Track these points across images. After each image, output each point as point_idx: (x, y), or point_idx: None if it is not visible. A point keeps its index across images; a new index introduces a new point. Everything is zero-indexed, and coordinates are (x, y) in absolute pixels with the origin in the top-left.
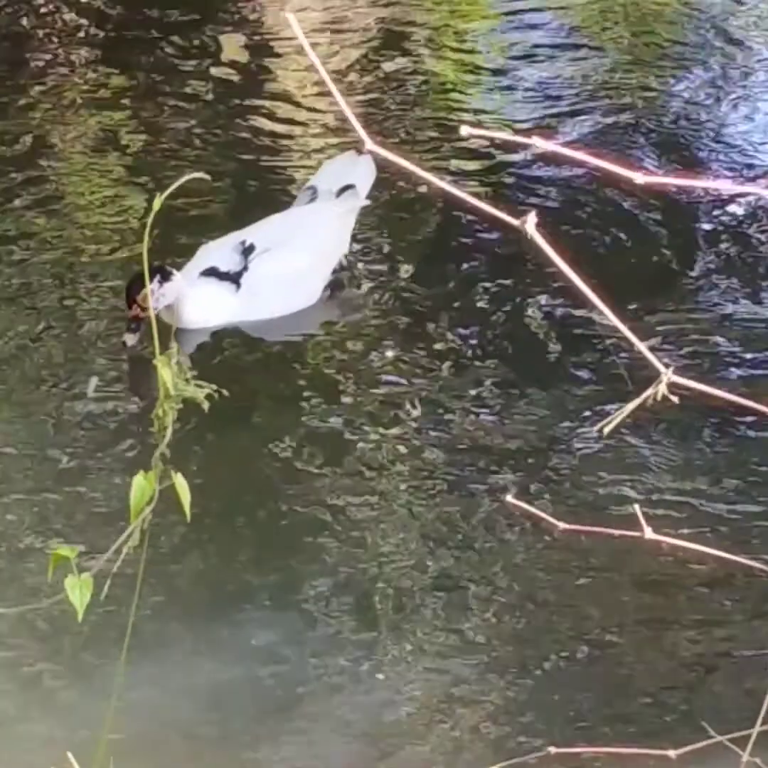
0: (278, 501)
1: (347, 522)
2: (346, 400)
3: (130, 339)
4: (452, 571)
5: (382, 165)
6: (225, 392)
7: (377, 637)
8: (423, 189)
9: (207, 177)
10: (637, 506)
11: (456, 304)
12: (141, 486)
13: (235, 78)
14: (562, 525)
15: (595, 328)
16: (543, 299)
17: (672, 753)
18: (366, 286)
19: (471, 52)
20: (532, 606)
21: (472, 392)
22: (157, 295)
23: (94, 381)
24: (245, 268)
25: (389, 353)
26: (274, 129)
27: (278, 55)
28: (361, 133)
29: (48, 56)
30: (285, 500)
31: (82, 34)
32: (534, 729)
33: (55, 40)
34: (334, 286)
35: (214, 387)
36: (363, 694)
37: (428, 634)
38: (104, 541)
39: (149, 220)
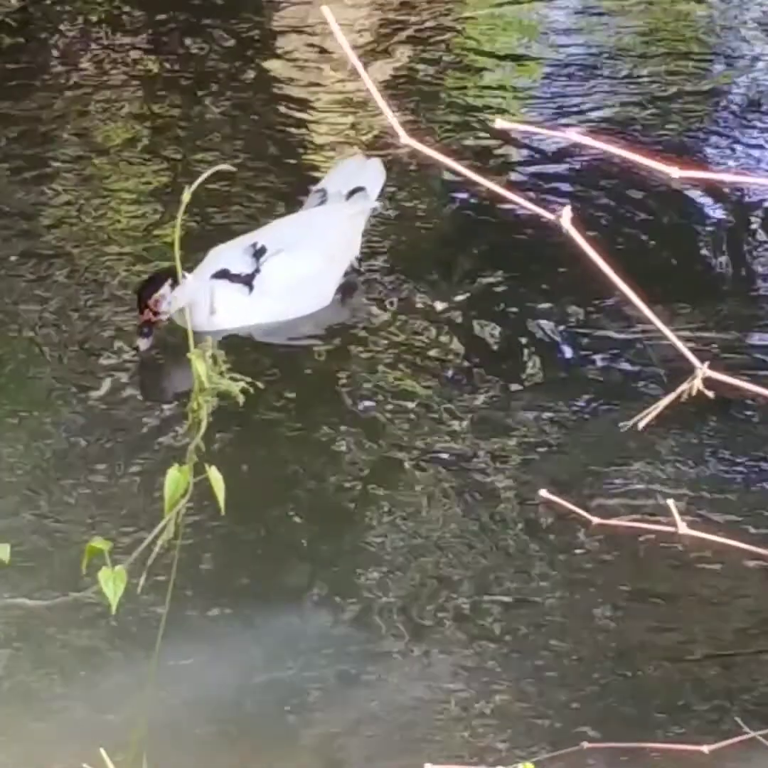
0: (314, 492)
1: (385, 513)
2: (367, 395)
3: (143, 344)
4: (491, 563)
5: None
6: (260, 385)
7: (415, 630)
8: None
9: (233, 169)
10: (671, 501)
11: (471, 303)
12: (175, 479)
13: (279, 68)
14: (595, 520)
15: (613, 326)
16: (557, 299)
17: (706, 748)
18: (378, 286)
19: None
20: (565, 602)
21: (496, 387)
22: (168, 299)
23: (107, 383)
24: (257, 271)
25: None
26: (307, 118)
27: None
28: (396, 126)
29: (90, 41)
30: (321, 491)
31: (127, 17)
32: (568, 724)
33: (102, 25)
34: (346, 288)
35: (249, 379)
36: (397, 690)
37: (467, 627)
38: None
39: (179, 212)
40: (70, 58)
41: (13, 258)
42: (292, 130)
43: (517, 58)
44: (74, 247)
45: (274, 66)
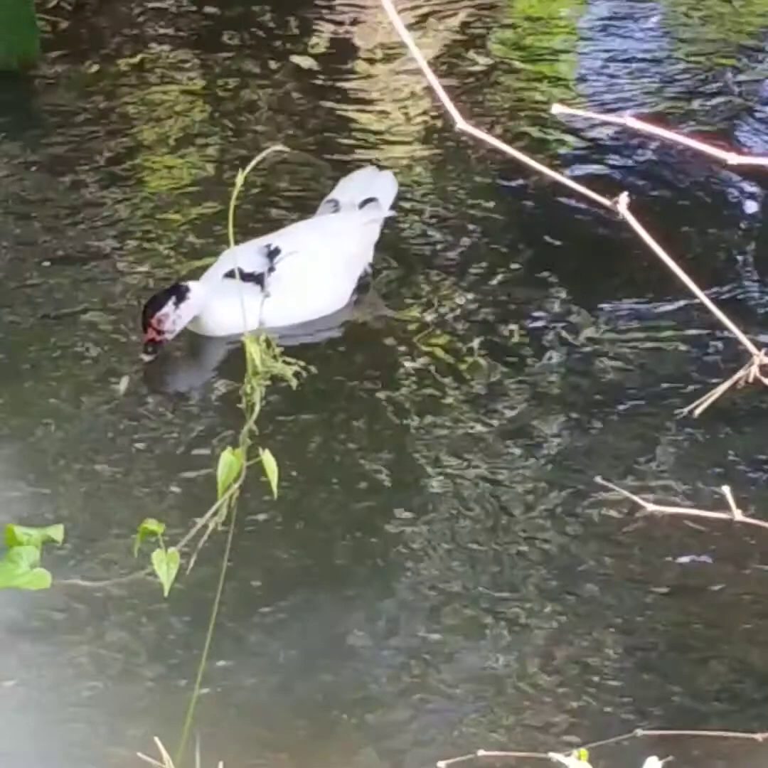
0: (364, 481)
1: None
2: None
3: (148, 360)
4: (546, 548)
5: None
6: (312, 369)
7: (467, 618)
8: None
9: (286, 149)
10: (726, 488)
11: (495, 301)
12: (228, 462)
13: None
14: (650, 507)
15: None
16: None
17: (759, 736)
18: (395, 289)
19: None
20: (614, 590)
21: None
22: (173, 318)
23: (125, 380)
24: (271, 269)
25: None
26: (350, 109)
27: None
28: (452, 111)
29: (136, 31)
30: (372, 479)
31: (173, 10)
32: (623, 711)
33: (148, 17)
34: (360, 291)
35: (302, 363)
36: (445, 679)
37: (520, 612)
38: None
39: (233, 195)
40: (118, 46)
41: (60, 252)
42: (338, 122)
43: (565, 51)
44: (120, 241)
45: (316, 56)
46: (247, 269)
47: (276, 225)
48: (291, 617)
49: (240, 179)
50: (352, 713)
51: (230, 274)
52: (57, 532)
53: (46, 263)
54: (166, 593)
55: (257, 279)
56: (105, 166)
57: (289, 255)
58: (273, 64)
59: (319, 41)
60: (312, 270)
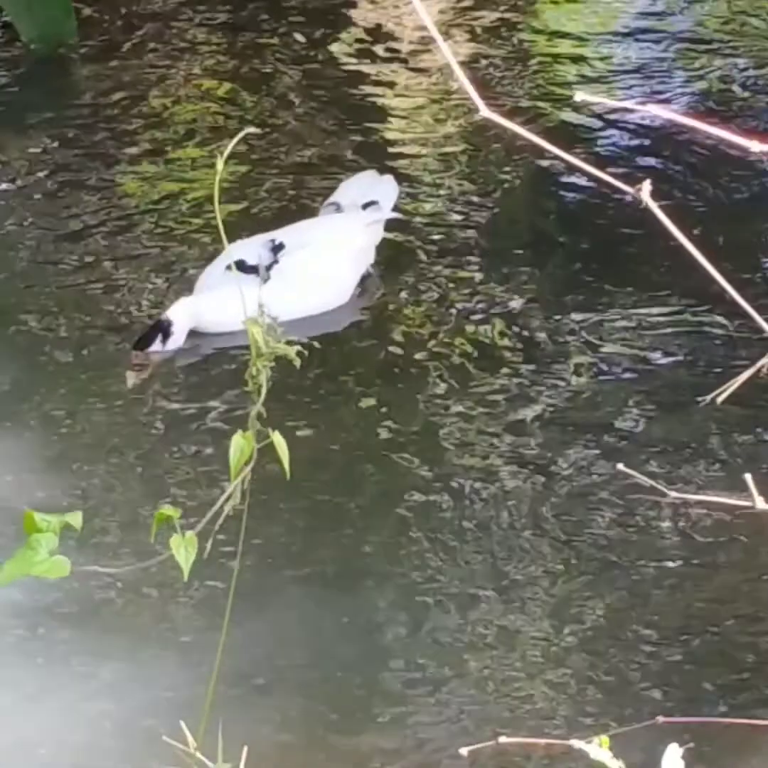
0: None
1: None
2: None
3: (132, 379)
4: (568, 537)
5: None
6: (316, 345)
7: (492, 599)
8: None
9: (257, 130)
10: (748, 476)
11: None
12: (240, 445)
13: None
14: (672, 493)
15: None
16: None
17: None
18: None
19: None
20: (652, 576)
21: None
22: (162, 354)
23: (131, 377)
24: (275, 262)
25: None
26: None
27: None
28: (476, 99)
29: (167, 10)
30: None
31: None
32: (643, 699)
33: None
34: (363, 287)
35: (305, 340)
36: (470, 659)
37: (544, 597)
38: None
39: (216, 180)
40: (146, 32)
41: (90, 232)
42: (368, 109)
43: (596, 36)
44: (147, 223)
45: (347, 42)
46: (250, 262)
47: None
48: (311, 596)
49: (220, 164)
50: (375, 694)
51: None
52: (75, 518)
53: (75, 244)
54: (185, 578)
55: (258, 271)
56: (132, 149)
57: (294, 250)
58: (306, 50)
59: (355, 30)
60: (315, 265)
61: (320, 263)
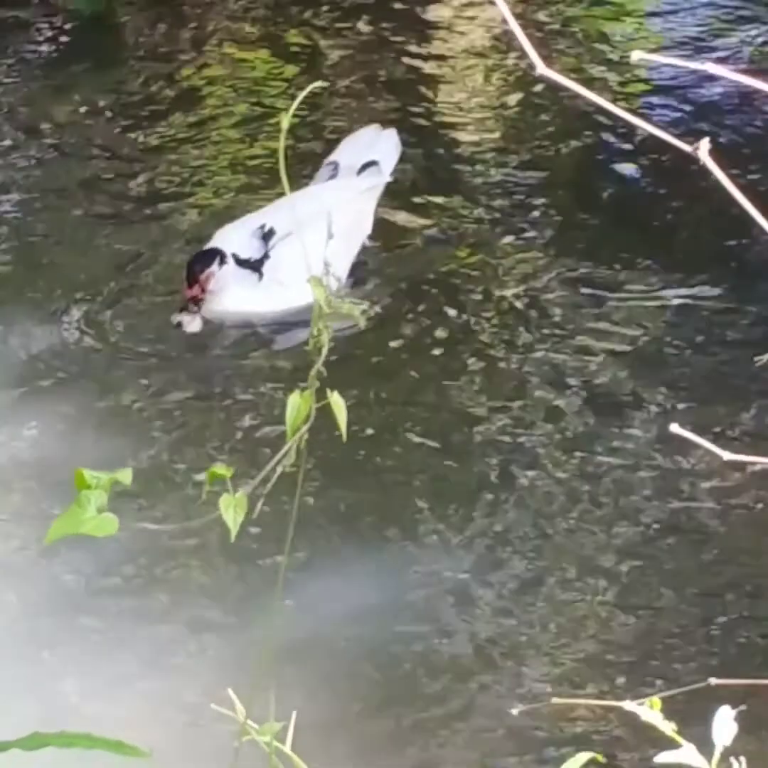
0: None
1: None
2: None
3: (188, 321)
4: (615, 503)
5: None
6: (377, 308)
7: (538, 566)
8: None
9: (325, 84)
10: None
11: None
12: (296, 404)
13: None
14: (726, 455)
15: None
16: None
17: None
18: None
19: None
20: (700, 537)
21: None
22: (217, 278)
23: (185, 319)
24: (266, 256)
25: None
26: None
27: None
28: (533, 56)
29: None
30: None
31: None
32: (693, 661)
33: None
34: (358, 270)
35: (368, 302)
36: (515, 622)
37: (591, 561)
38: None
39: (281, 139)
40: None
41: (128, 194)
42: (417, 76)
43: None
44: (186, 188)
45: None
46: (244, 255)
47: None
48: (364, 562)
49: (285, 122)
50: (423, 661)
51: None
52: (125, 475)
53: (114, 204)
54: (232, 538)
55: (253, 266)
56: (172, 116)
57: (284, 238)
58: (343, 23)
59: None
60: (308, 252)
61: (312, 253)
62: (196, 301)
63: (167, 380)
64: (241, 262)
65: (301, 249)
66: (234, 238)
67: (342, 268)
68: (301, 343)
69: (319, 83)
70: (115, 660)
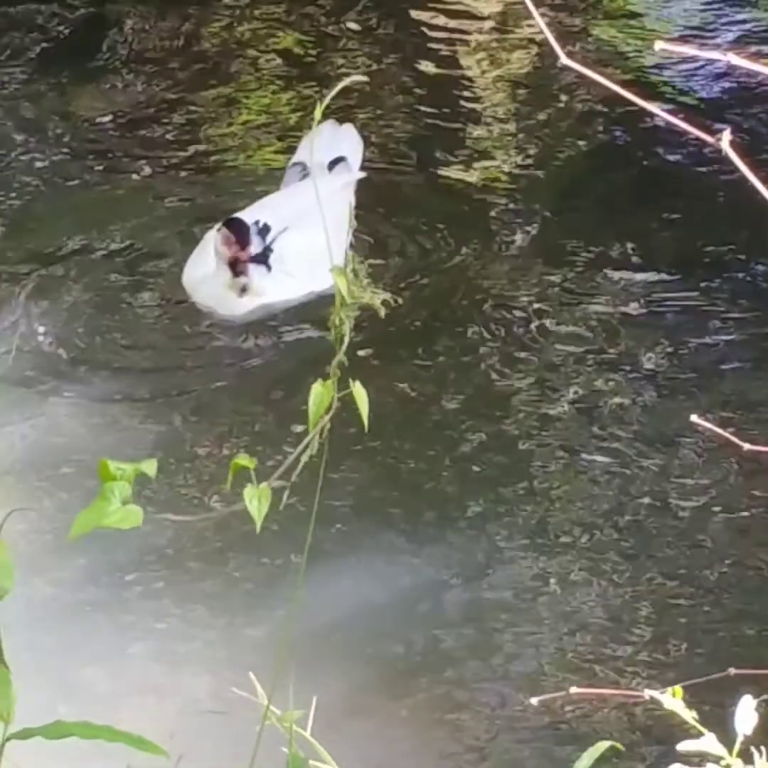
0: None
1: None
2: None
3: (248, 282)
4: (641, 490)
5: None
6: (400, 299)
7: (561, 557)
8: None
9: (365, 78)
10: None
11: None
12: (319, 394)
13: None
14: (746, 445)
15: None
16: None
17: None
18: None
19: None
20: (724, 529)
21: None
22: (254, 244)
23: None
24: (269, 249)
25: None
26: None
27: None
28: (555, 46)
29: None
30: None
31: None
32: (715, 651)
33: None
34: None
35: (390, 293)
36: (542, 611)
37: (614, 551)
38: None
39: (314, 126)
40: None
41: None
42: (439, 66)
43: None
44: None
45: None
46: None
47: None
48: (383, 550)
49: (318, 113)
50: (444, 648)
51: None
52: (150, 466)
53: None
54: (257, 529)
55: (256, 259)
56: (198, 101)
57: (283, 231)
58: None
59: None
60: (310, 243)
61: (314, 243)
62: (246, 263)
63: (179, 375)
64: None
65: (302, 242)
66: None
67: (339, 260)
68: (313, 332)
69: (358, 77)
70: (134, 646)
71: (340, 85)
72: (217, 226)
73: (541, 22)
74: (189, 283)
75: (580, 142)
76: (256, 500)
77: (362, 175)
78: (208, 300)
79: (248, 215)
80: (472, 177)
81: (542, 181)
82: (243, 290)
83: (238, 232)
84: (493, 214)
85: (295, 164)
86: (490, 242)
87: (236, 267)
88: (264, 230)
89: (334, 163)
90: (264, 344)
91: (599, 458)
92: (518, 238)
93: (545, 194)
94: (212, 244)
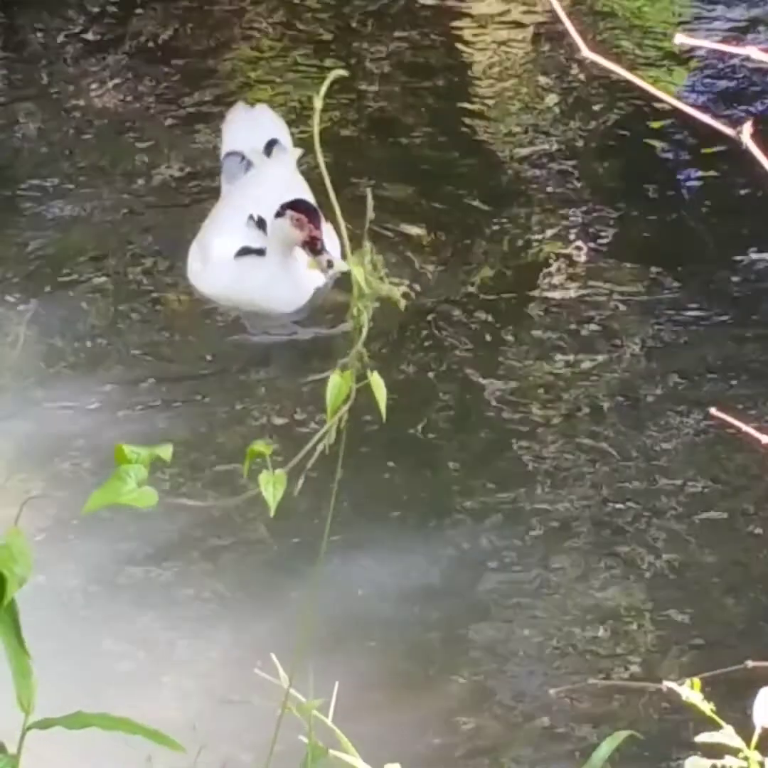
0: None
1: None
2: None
3: (329, 258)
4: (658, 485)
5: None
6: (418, 288)
7: (580, 549)
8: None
9: (345, 73)
10: None
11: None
12: (337, 384)
13: None
14: (766, 439)
15: None
16: None
17: None
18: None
19: None
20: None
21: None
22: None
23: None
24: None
25: None
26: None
27: None
28: (577, 39)
29: None
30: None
31: None
32: (731, 644)
33: None
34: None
35: (407, 283)
36: (556, 603)
37: (634, 542)
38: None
39: (316, 120)
40: None
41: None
42: (458, 58)
43: None
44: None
45: None
46: (255, 245)
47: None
48: (403, 538)
49: (318, 103)
50: (463, 639)
51: (240, 253)
52: (166, 451)
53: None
54: (271, 514)
55: (261, 253)
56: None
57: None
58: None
59: None
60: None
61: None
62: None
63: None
64: (258, 252)
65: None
66: (232, 231)
67: (335, 239)
68: (326, 325)
69: (338, 72)
70: (154, 633)
71: (328, 80)
72: (275, 212)
73: (562, 14)
74: (216, 285)
75: (585, 134)
76: (271, 486)
77: (299, 151)
78: (261, 300)
79: (240, 212)
80: (479, 166)
81: (550, 172)
82: (329, 265)
83: (307, 211)
84: (494, 206)
85: (230, 154)
86: (491, 236)
87: (315, 246)
88: (261, 223)
89: (269, 147)
90: (278, 339)
91: (616, 446)
92: (522, 230)
93: (551, 185)
94: (217, 245)
